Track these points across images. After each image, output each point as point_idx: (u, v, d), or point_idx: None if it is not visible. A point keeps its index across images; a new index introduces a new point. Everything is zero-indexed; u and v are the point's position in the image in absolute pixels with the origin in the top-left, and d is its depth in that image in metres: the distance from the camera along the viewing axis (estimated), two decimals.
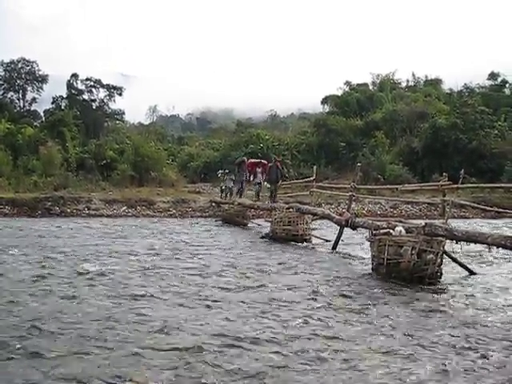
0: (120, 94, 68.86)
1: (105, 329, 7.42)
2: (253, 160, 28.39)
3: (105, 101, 68.54)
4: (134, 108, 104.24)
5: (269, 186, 24.14)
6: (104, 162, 45.36)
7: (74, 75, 67.37)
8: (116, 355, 6.39)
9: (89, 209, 31.46)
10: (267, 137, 54.14)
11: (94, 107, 67.55)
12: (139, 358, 6.31)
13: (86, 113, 63.33)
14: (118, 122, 71.32)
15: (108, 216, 30.18)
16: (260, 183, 26.06)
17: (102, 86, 68.10)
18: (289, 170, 47.33)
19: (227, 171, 31.26)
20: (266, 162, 26.56)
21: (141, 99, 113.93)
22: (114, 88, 68.81)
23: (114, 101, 68.92)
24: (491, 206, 21.98)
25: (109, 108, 69.13)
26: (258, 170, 26.11)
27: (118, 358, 6.30)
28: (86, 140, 53.54)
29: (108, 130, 64.44)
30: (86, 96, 68.01)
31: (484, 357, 6.47)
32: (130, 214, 31.00)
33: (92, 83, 67.66)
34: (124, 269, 12.34)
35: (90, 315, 8.12)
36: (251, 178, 26.68)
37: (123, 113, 71.75)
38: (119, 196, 33.90)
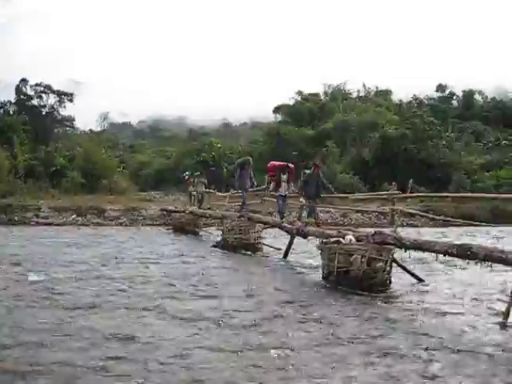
0: (71, 101, 67.97)
1: (53, 342, 7.24)
2: (276, 162, 19.03)
3: (55, 107, 67.55)
4: (85, 115, 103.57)
5: (304, 201, 16.44)
6: (53, 168, 44.75)
7: (24, 80, 66.24)
8: (63, 370, 6.23)
9: (37, 217, 30.88)
10: (219, 145, 54.25)
11: (43, 113, 66.50)
12: (90, 372, 6.16)
13: (35, 119, 62.31)
14: (68, 128, 70.43)
15: (57, 224, 29.64)
16: (285, 196, 17.83)
17: (53, 91, 67.09)
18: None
19: (197, 173, 28.86)
20: (292, 165, 18.79)
21: (92, 106, 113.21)
22: (65, 94, 67.87)
23: (65, 107, 68.04)
24: (439, 215, 22.38)
25: (59, 114, 68.17)
26: (283, 176, 17.77)
27: (65, 372, 6.14)
28: (35, 146, 52.63)
29: (58, 137, 63.56)
30: (35, 102, 66.91)
31: (431, 362, 6.55)
32: (79, 222, 30.52)
33: (42, 89, 66.58)
34: (72, 278, 12.12)
35: (37, 327, 7.92)
36: (270, 187, 18.47)
37: (74, 119, 70.86)
38: (69, 204, 33.35)
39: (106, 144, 58.71)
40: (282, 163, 18.73)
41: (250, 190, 20.15)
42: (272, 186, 18.15)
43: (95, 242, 20.82)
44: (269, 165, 18.75)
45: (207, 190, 28.06)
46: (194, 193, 27.88)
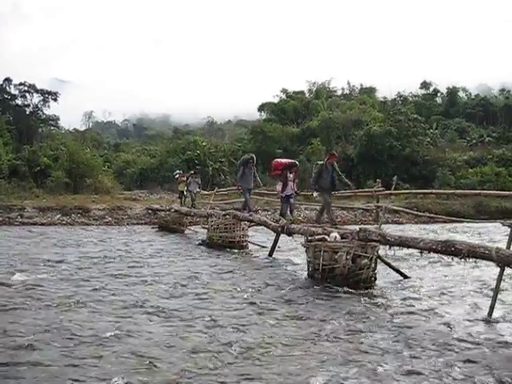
0: (55, 100, 67.51)
1: (38, 341, 7.19)
2: (282, 160, 17.24)
3: (39, 106, 67.07)
4: (69, 114, 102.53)
5: (316, 196, 15.28)
6: (38, 168, 44.33)
7: (7, 79, 65.76)
8: (50, 369, 6.19)
9: (22, 217, 30.60)
10: (204, 143, 54.06)
11: (27, 112, 66.03)
12: (74, 371, 6.13)
13: (19, 118, 61.92)
14: (52, 127, 69.93)
15: (42, 224, 29.41)
16: (291, 196, 16.11)
17: (36, 90, 66.61)
18: (225, 176, 47.45)
19: (191, 172, 28.34)
20: (297, 163, 17.45)
21: (76, 105, 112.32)
22: (49, 93, 67.42)
23: (49, 106, 67.58)
24: (423, 212, 22.50)
25: (43, 113, 67.70)
26: (290, 175, 16.12)
27: (51, 372, 6.11)
28: (19, 146, 52.22)
29: (42, 136, 63.10)
30: (19, 101, 66.42)
31: (416, 358, 6.59)
32: (64, 222, 30.31)
33: (26, 88, 66.08)
34: (58, 278, 12.05)
35: (22, 327, 7.87)
36: (278, 188, 16.62)
37: (58, 118, 70.40)
38: (53, 203, 33.08)
39: (91, 143, 58.39)
40: (289, 161, 16.95)
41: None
42: (279, 186, 16.33)
43: (80, 241, 20.69)
44: (274, 162, 16.79)
45: (200, 189, 27.87)
46: (186, 192, 27.78)
